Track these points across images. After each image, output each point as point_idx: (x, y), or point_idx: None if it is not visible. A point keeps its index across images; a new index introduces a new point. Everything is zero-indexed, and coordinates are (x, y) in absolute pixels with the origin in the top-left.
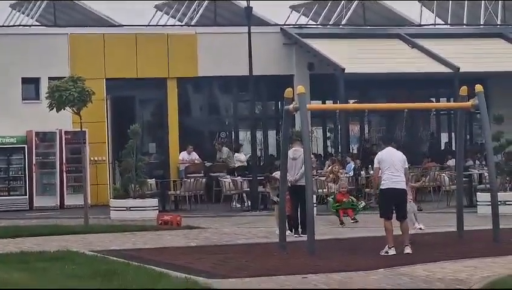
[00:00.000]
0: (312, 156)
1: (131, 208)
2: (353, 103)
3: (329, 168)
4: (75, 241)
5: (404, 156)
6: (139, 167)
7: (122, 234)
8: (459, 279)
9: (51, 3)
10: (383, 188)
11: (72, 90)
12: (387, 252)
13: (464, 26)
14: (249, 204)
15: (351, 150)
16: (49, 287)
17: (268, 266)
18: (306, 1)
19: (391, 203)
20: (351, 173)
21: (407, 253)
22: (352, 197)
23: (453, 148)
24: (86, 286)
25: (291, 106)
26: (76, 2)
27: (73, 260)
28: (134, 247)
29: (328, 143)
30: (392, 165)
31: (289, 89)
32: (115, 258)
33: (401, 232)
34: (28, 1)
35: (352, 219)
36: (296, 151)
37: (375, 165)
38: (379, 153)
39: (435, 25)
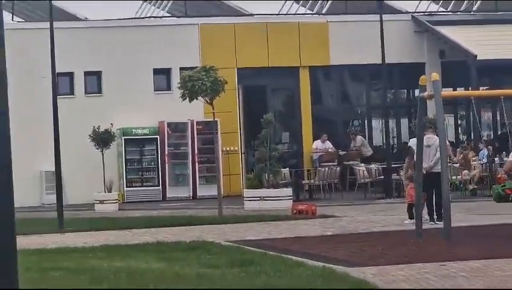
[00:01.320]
0: (448, 143)
1: (265, 198)
2: (485, 89)
3: (462, 155)
4: (209, 232)
5: None
6: (272, 157)
7: (256, 224)
8: None
9: None
10: None
11: (204, 80)
12: None
13: None
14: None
15: (482, 137)
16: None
17: (405, 254)
18: None
19: None
20: (485, 160)
21: None
22: None
23: None
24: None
25: (426, 94)
26: None
27: (209, 250)
28: (269, 237)
29: (460, 130)
30: None
31: (424, 77)
32: (250, 248)
33: None
34: None
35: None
36: (429, 139)
37: (510, 158)
38: None
39: None
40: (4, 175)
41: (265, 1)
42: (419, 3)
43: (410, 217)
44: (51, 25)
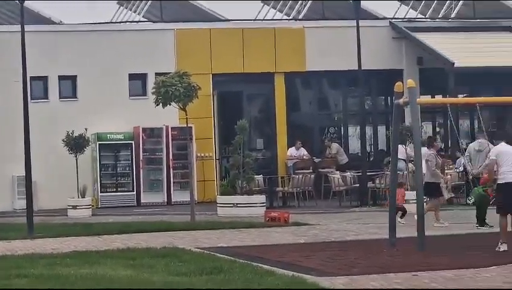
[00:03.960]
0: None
1: (238, 205)
2: (463, 97)
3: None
4: (181, 238)
5: None
6: (246, 163)
7: (229, 230)
8: None
9: None
10: (502, 182)
11: (178, 85)
12: (499, 248)
13: None
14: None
15: (460, 145)
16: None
17: (378, 263)
18: None
19: (510, 197)
20: (461, 168)
21: None
22: None
23: None
24: (190, 284)
25: (401, 100)
26: None
27: (179, 257)
28: (241, 244)
29: (438, 138)
30: (508, 159)
31: (399, 83)
32: (221, 256)
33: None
34: None
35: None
36: (481, 144)
37: (492, 157)
38: (496, 146)
39: None
40: None
41: (242, 6)
42: (398, 9)
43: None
44: (22, 27)
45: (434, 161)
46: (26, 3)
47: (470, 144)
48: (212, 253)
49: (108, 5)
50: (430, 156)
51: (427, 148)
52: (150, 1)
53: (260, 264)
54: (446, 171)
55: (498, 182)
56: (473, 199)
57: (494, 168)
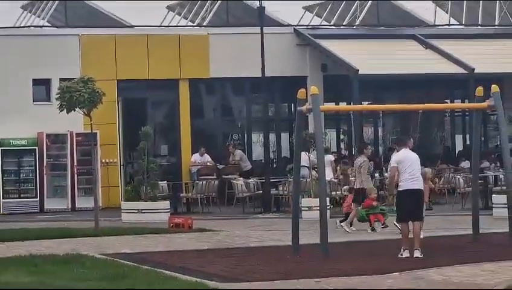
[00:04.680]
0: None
1: (142, 211)
2: (367, 104)
3: (341, 170)
4: (85, 244)
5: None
6: (150, 169)
7: (133, 237)
8: (476, 283)
9: (62, 3)
10: (401, 189)
11: (82, 91)
12: (401, 254)
13: (479, 27)
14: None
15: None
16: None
17: (281, 270)
18: (319, 1)
19: (410, 205)
20: None
21: (417, 257)
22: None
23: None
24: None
25: (304, 107)
26: (87, 2)
27: (83, 263)
28: (145, 250)
29: (342, 145)
30: (410, 166)
31: (302, 90)
32: (125, 262)
33: (412, 235)
34: (39, 2)
35: (382, 225)
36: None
37: (393, 164)
38: (396, 154)
39: (449, 25)
40: None
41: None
42: (302, 16)
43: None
44: None
45: (367, 167)
46: None
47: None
48: (116, 259)
49: (12, 10)
50: (364, 163)
51: (359, 154)
52: (54, 6)
53: (163, 270)
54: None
55: (398, 190)
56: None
57: (396, 176)
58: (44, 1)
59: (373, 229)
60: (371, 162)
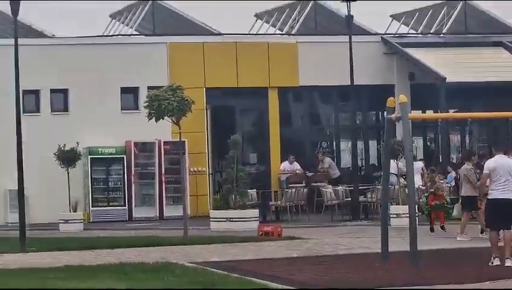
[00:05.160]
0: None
1: (231, 219)
2: (454, 112)
3: (429, 178)
4: (174, 253)
5: None
6: (239, 178)
7: (222, 245)
8: None
9: (150, 12)
10: (491, 198)
11: (171, 99)
12: (492, 262)
13: None
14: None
15: (451, 160)
16: None
17: (370, 277)
18: (407, 10)
19: (499, 214)
20: (452, 183)
21: (508, 266)
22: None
23: None
24: None
25: (393, 116)
26: (175, 10)
27: (172, 271)
28: (234, 258)
29: (429, 152)
30: (504, 174)
31: (391, 98)
32: (214, 270)
33: (503, 244)
34: (128, 11)
35: (441, 227)
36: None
37: (485, 171)
38: (490, 160)
39: None
40: None
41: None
42: (390, 24)
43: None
44: (16, 41)
45: (473, 175)
46: (19, 17)
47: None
48: (205, 268)
49: (101, 19)
50: (469, 171)
51: (465, 162)
52: (142, 14)
53: (253, 279)
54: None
55: (487, 197)
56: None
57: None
58: (133, 10)
59: (432, 230)
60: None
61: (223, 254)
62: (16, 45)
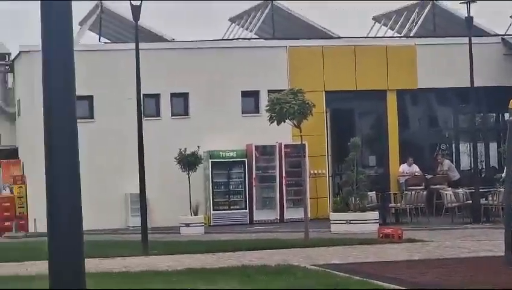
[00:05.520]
0: None
1: (351, 221)
2: None
3: None
4: (295, 255)
5: None
6: (359, 180)
7: (342, 247)
8: None
9: (269, 15)
10: None
11: (292, 102)
12: None
13: None
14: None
15: None
16: None
17: (495, 281)
18: None
19: None
20: None
21: None
22: None
23: None
24: None
25: None
26: (294, 14)
27: (294, 274)
28: (355, 261)
29: None
30: None
31: None
32: (336, 272)
33: None
34: (247, 14)
35: None
36: None
37: None
38: None
39: None
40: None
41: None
42: (510, 25)
43: None
44: (137, 46)
45: None
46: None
47: None
48: (327, 270)
49: (221, 22)
50: None
51: None
52: (262, 18)
53: (376, 281)
54: None
55: None
56: None
57: None
58: (252, 13)
59: None
60: None
61: (344, 256)
62: (137, 50)
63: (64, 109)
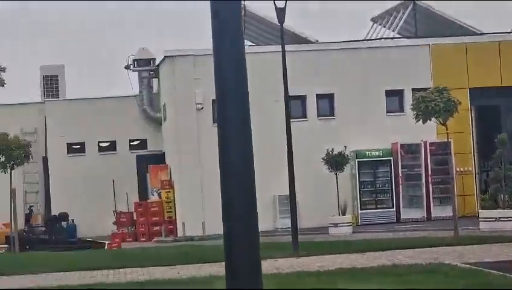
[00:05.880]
0: None
1: (500, 219)
2: None
3: None
4: (445, 254)
5: None
6: (508, 177)
7: (493, 245)
8: None
9: (411, 14)
10: None
11: (437, 100)
12: None
13: None
14: None
15: None
16: None
17: None
18: None
19: None
20: None
21: None
22: None
23: None
24: None
25: None
26: (436, 12)
27: (446, 273)
28: (508, 259)
29: None
30: None
31: None
32: (489, 271)
33: None
34: (388, 14)
35: None
36: None
37: None
38: None
39: None
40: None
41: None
42: None
43: None
44: (283, 48)
45: None
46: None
47: None
48: (479, 268)
49: (363, 23)
50: None
51: None
52: (404, 17)
53: None
54: None
55: None
56: None
57: None
58: (393, 13)
59: None
60: None
61: (495, 254)
62: (283, 52)
63: (237, 111)
